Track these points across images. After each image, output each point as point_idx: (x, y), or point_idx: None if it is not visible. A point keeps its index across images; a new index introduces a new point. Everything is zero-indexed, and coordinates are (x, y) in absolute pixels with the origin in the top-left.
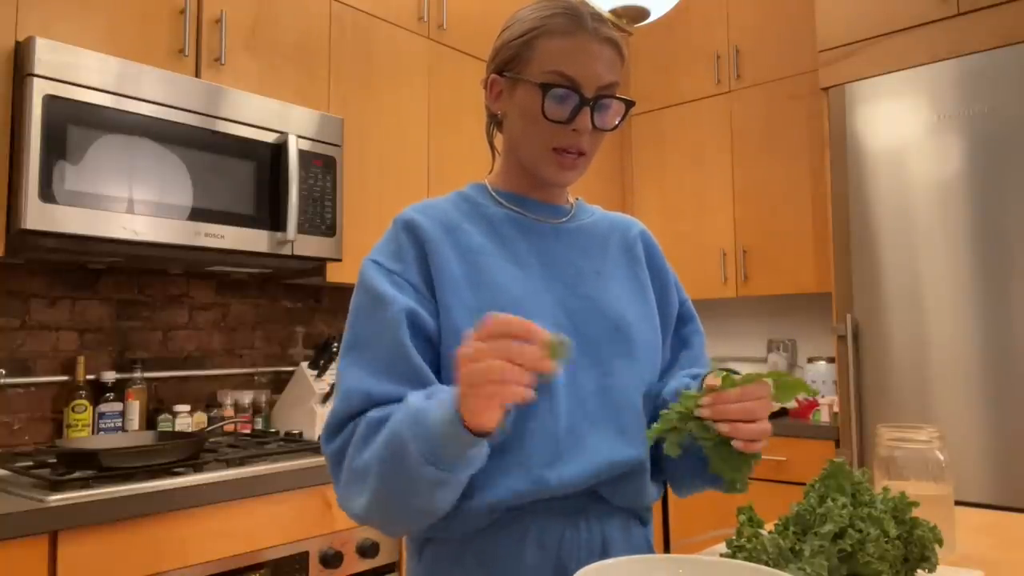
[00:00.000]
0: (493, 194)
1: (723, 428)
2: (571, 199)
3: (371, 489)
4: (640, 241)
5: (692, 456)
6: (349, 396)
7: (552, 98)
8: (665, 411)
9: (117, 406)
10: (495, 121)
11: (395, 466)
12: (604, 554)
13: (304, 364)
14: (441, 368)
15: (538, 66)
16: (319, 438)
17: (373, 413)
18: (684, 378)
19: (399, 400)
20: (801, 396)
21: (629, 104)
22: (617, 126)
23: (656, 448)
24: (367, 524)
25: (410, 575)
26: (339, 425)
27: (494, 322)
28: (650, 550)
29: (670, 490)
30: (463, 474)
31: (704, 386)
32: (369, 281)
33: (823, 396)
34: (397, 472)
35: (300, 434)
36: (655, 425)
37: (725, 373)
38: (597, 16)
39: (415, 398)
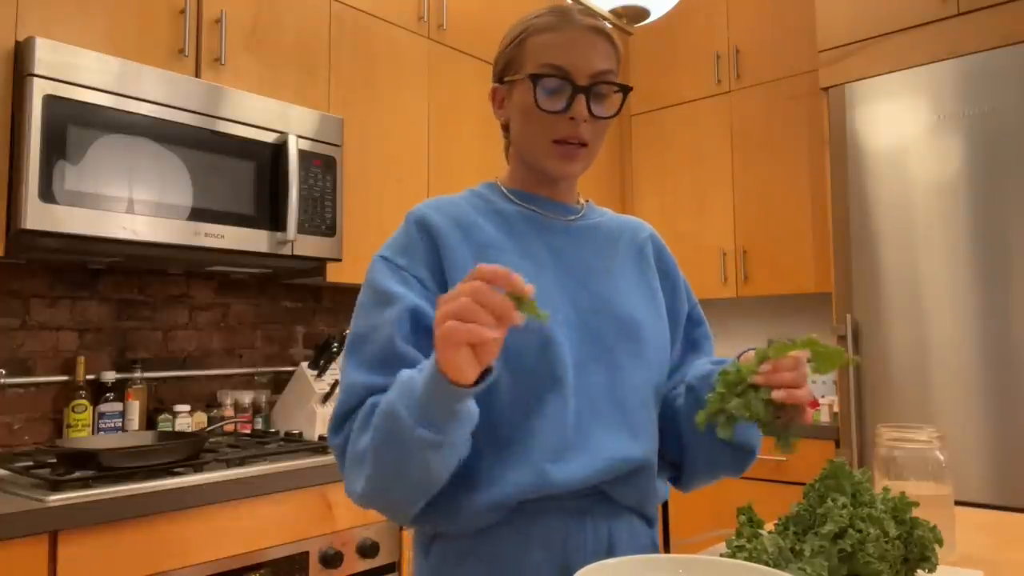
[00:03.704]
0: (505, 192)
1: (780, 395)
2: (582, 200)
3: (370, 466)
4: (650, 243)
5: (709, 437)
6: (350, 391)
7: (544, 88)
8: (710, 394)
9: (117, 406)
10: (507, 131)
11: (390, 437)
12: (609, 554)
13: (304, 364)
14: None
15: (531, 63)
16: (325, 433)
17: (371, 399)
18: (707, 365)
19: None
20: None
21: (626, 90)
22: (616, 113)
23: (665, 441)
24: (369, 507)
25: (417, 573)
26: (342, 420)
27: (476, 270)
28: (655, 551)
29: (671, 489)
30: (455, 434)
31: (739, 360)
32: (375, 277)
33: (823, 396)
34: (392, 442)
35: (300, 434)
36: (701, 412)
37: (770, 342)
38: (585, 11)
39: (405, 372)
